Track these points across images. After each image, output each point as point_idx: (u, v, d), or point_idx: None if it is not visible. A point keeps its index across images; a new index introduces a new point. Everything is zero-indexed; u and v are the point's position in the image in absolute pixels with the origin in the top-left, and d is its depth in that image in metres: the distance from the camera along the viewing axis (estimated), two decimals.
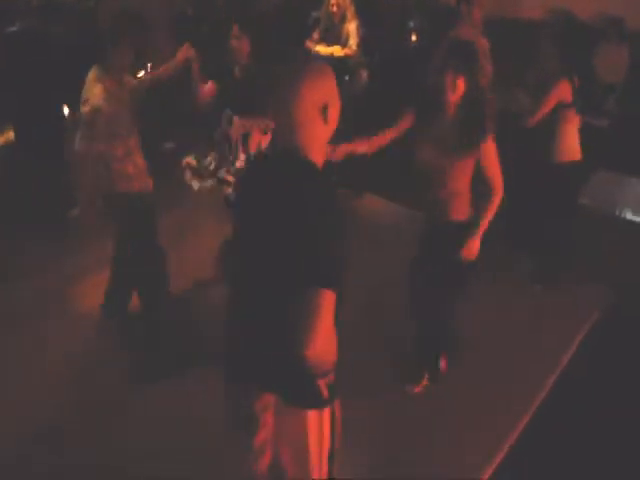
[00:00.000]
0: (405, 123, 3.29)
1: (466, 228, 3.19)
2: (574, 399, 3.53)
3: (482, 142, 3.01)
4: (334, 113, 1.99)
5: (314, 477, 2.21)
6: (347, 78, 6.31)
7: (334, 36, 6.40)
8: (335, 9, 6.29)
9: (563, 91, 4.08)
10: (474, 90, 2.99)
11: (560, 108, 4.10)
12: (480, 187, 3.17)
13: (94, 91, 3.55)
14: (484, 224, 3.17)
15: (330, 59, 6.28)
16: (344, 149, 3.05)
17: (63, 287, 4.63)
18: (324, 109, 1.94)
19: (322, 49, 6.41)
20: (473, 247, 3.18)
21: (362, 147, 3.21)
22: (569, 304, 4.24)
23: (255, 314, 2.04)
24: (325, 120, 1.96)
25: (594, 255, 4.48)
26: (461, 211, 3.22)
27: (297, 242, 1.83)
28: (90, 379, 3.84)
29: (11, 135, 6.19)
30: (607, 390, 3.54)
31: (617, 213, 4.49)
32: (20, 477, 3.24)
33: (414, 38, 7.44)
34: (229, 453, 3.21)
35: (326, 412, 2.12)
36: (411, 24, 7.70)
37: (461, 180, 3.14)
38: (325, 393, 2.06)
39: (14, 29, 5.70)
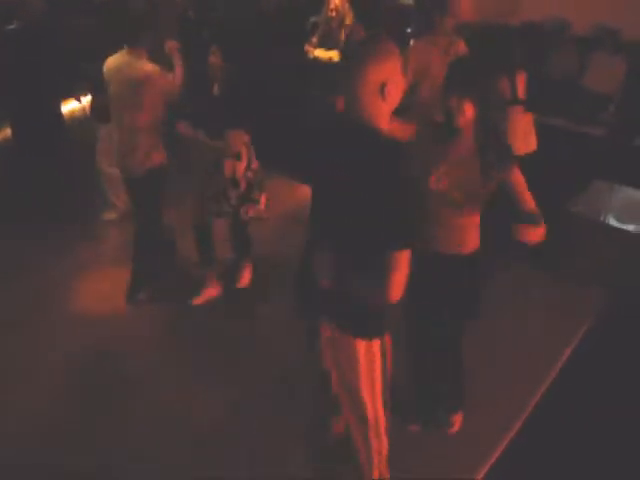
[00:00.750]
0: None
1: (471, 261, 3.02)
2: (570, 400, 3.56)
3: (507, 172, 2.78)
4: (394, 90, 2.14)
5: (366, 403, 2.47)
6: None
7: (333, 41, 6.45)
8: (334, 14, 6.33)
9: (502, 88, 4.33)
10: (486, 113, 2.75)
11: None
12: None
13: (146, 66, 3.90)
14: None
15: (328, 64, 6.34)
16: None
17: (63, 287, 4.62)
18: (382, 87, 2.10)
19: (321, 53, 6.46)
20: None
21: None
22: (566, 305, 4.29)
23: (334, 270, 2.27)
24: (383, 97, 2.12)
25: (591, 260, 4.52)
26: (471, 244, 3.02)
27: (375, 208, 2.07)
28: (90, 379, 3.85)
29: (8, 132, 6.19)
30: (603, 390, 3.58)
31: (612, 222, 4.53)
32: (20, 477, 3.23)
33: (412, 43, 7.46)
34: (229, 453, 3.27)
35: (376, 343, 2.39)
36: (409, 30, 7.74)
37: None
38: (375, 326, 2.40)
39: (12, 27, 5.70)
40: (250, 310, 4.37)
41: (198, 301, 4.41)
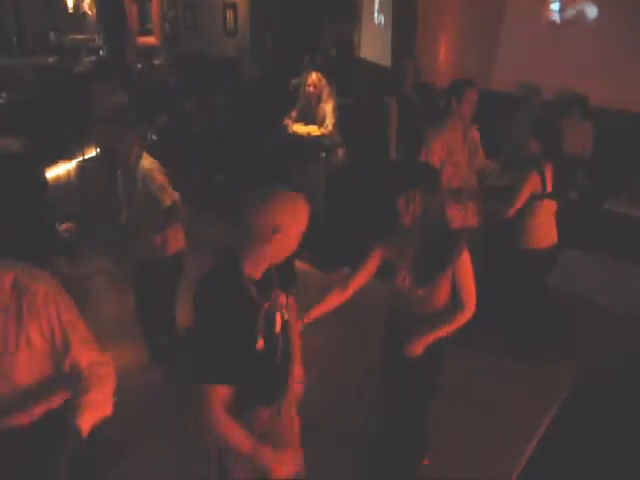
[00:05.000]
0: (374, 262, 3.06)
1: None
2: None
3: (453, 263, 2.87)
4: (283, 238, 2.12)
5: None
6: (324, 155, 6.54)
7: (311, 116, 6.62)
8: (311, 89, 6.49)
9: (534, 184, 4.25)
10: (431, 210, 2.84)
11: (531, 199, 4.28)
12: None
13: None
14: (439, 333, 2.98)
15: (307, 138, 6.51)
16: (319, 311, 2.96)
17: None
18: (273, 232, 2.09)
19: (299, 128, 6.62)
20: (416, 348, 2.97)
21: (336, 300, 3.04)
22: (538, 383, 4.26)
23: None
24: (269, 242, 2.11)
25: (563, 335, 4.53)
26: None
27: None
28: None
29: None
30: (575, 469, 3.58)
31: (586, 293, 4.52)
32: None
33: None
34: None
35: None
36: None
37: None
38: None
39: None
40: None
41: None
